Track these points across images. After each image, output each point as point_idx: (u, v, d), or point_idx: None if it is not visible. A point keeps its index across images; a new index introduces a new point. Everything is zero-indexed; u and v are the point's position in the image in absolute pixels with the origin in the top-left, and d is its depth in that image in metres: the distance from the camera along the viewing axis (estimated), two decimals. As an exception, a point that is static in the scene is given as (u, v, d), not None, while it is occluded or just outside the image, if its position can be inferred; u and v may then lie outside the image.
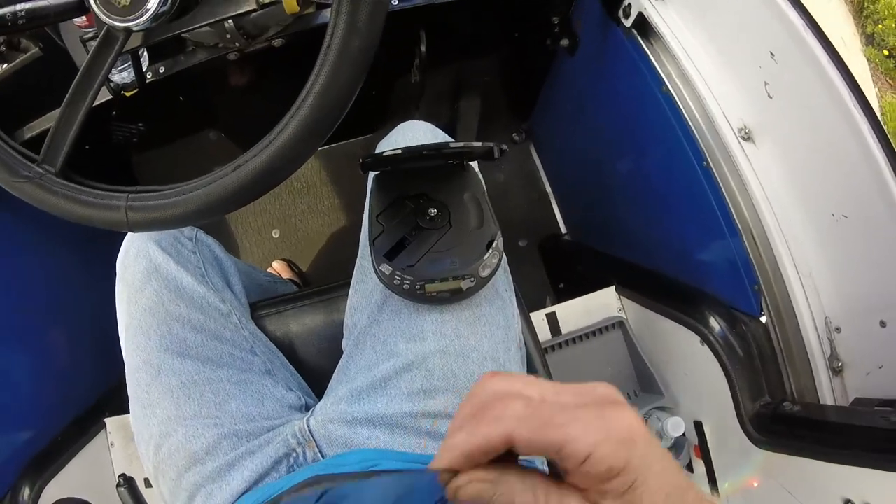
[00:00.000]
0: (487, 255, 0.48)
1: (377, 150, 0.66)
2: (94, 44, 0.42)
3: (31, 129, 0.68)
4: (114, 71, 0.62)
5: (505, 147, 0.48)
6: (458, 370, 0.46)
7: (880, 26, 2.18)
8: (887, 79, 2.17)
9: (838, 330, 0.60)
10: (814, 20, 0.51)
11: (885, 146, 0.48)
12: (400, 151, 0.50)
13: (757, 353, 0.67)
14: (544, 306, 0.98)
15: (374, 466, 0.43)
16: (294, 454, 0.46)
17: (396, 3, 0.67)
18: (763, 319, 0.68)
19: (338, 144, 1.29)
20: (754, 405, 0.67)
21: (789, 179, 0.61)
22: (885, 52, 2.16)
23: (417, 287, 0.46)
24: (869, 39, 2.22)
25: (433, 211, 0.51)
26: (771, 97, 0.58)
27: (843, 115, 0.50)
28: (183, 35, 0.51)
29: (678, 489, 0.22)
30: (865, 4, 2.22)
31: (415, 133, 0.61)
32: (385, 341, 0.48)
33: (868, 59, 2.17)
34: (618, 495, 0.20)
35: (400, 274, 0.46)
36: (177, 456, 0.46)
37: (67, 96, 0.41)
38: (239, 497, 0.45)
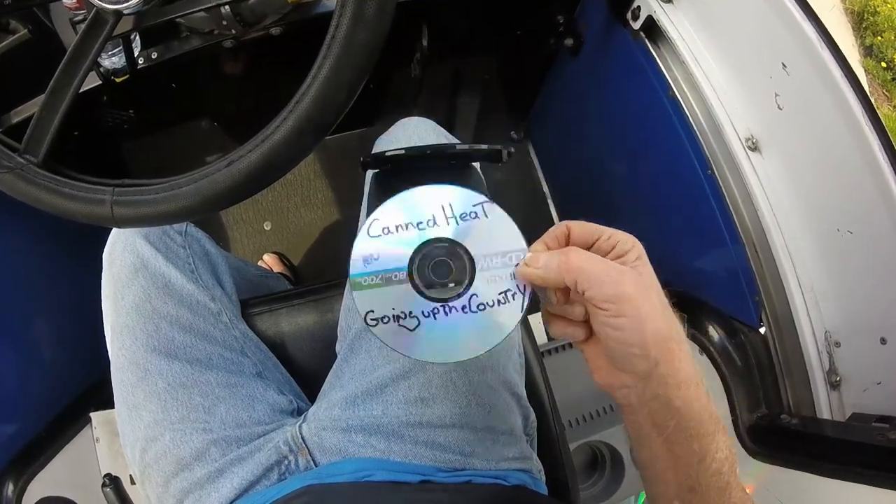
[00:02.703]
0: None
1: (377, 146, 0.64)
2: (83, 27, 0.40)
3: (18, 114, 0.65)
4: (104, 56, 0.60)
5: (512, 150, 0.46)
6: (458, 378, 0.45)
7: (879, 38, 2.20)
8: (884, 90, 2.19)
9: (838, 344, 0.60)
10: (829, 34, 0.50)
11: (895, 164, 0.48)
12: (403, 152, 0.49)
13: (755, 365, 0.67)
14: (540, 310, 0.97)
15: (369, 477, 0.42)
16: (286, 461, 0.44)
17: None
18: (762, 331, 0.67)
19: (333, 137, 1.26)
20: (751, 416, 0.66)
21: (795, 192, 0.60)
22: (883, 65, 2.17)
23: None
24: (867, 51, 2.23)
25: None
26: (781, 108, 0.57)
27: (854, 132, 0.49)
28: (177, 20, 0.49)
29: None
30: (865, 16, 2.23)
31: (416, 130, 0.59)
32: (381, 346, 0.46)
33: (865, 70, 2.19)
34: (630, 262, 0.30)
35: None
36: (164, 461, 0.44)
37: (52, 82, 0.39)
38: (228, 505, 0.43)
